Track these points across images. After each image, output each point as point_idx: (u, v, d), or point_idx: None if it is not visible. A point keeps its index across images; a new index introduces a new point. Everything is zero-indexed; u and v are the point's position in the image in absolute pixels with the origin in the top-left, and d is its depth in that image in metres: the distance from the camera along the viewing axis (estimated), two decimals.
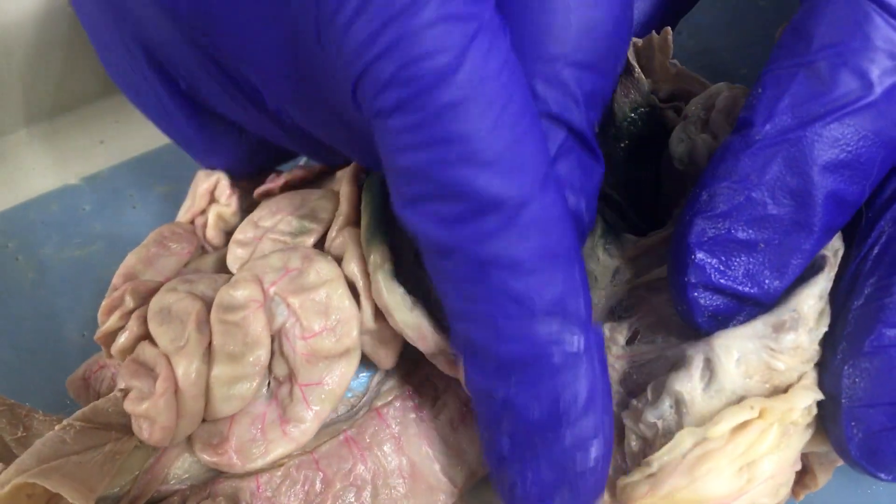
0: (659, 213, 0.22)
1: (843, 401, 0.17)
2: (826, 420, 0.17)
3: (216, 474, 0.21)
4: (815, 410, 0.17)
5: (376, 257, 0.19)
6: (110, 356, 0.22)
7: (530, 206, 0.15)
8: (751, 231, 0.16)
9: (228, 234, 0.24)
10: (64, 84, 0.32)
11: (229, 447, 0.20)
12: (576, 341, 0.15)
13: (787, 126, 0.16)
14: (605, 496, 0.18)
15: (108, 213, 0.29)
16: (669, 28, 0.20)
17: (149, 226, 0.28)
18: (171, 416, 0.19)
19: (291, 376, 0.20)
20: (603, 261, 0.22)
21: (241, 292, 0.20)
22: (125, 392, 0.21)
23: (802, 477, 0.20)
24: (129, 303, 0.21)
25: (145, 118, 0.25)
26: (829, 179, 0.16)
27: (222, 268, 0.22)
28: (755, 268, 0.16)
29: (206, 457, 0.20)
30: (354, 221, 0.20)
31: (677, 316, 0.19)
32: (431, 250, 0.16)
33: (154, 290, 0.21)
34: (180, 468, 0.21)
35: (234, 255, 0.22)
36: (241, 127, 0.22)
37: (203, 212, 0.24)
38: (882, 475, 0.17)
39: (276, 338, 0.20)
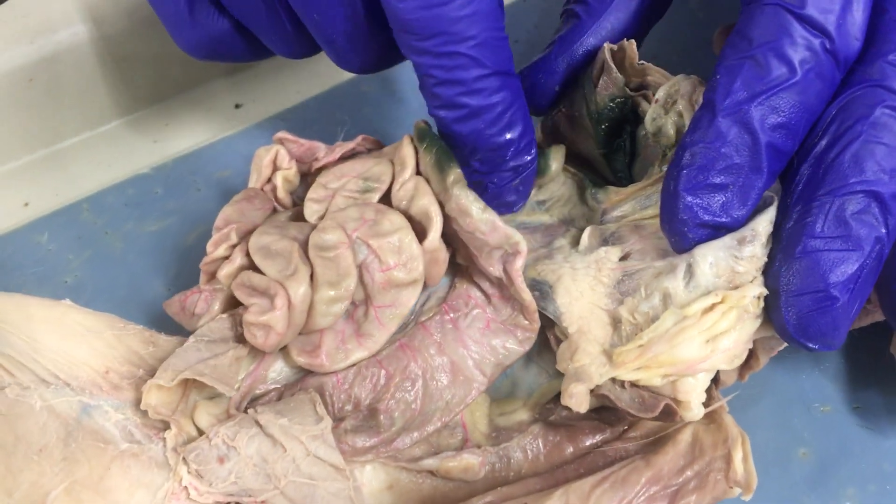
0: (632, 175, 0.29)
1: (782, 293, 0.23)
2: (770, 311, 0.24)
3: (303, 374, 0.27)
4: (762, 304, 0.24)
5: (454, 175, 0.25)
6: (208, 282, 0.28)
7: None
8: (722, 177, 0.23)
9: (293, 196, 0.30)
10: (120, 91, 0.38)
11: (321, 353, 0.26)
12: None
13: (740, 100, 0.23)
14: (605, 365, 0.24)
15: (177, 195, 0.34)
16: (633, 40, 0.27)
17: (213, 202, 0.34)
18: (285, 326, 0.25)
19: (368, 300, 0.26)
20: (592, 205, 0.28)
21: (330, 236, 0.26)
22: (234, 314, 0.27)
23: (749, 359, 0.26)
24: (234, 237, 0.27)
25: (190, 120, 0.32)
26: (771, 136, 0.23)
27: (298, 220, 0.29)
28: (727, 203, 0.23)
29: (303, 360, 0.26)
30: (418, 172, 0.27)
31: (660, 244, 0.25)
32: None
33: (251, 231, 0.27)
34: (275, 371, 0.27)
35: (311, 210, 0.28)
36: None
37: (269, 180, 0.30)
38: (810, 345, 0.23)
39: (358, 270, 0.26)
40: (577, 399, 0.24)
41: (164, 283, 0.32)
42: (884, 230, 0.22)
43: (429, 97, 0.25)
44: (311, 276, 0.26)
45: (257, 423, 0.25)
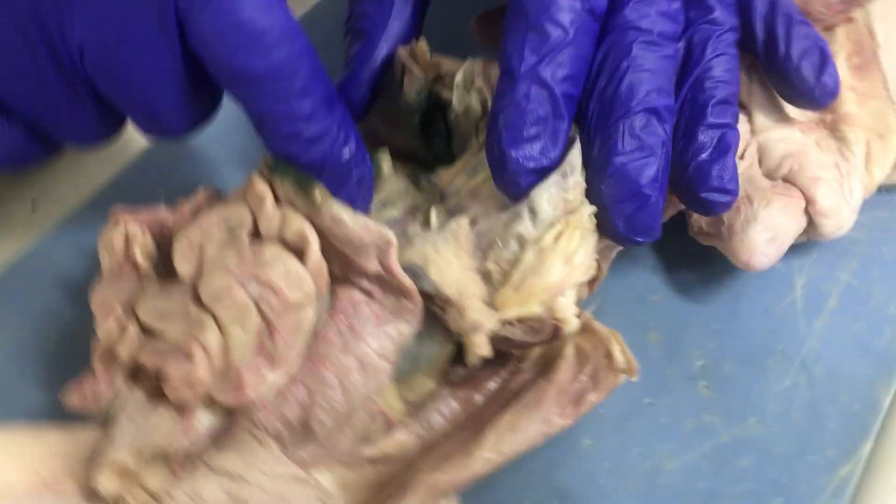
0: (453, 153, 0.33)
1: (607, 205, 0.28)
2: (601, 223, 0.29)
3: (230, 417, 0.28)
4: (594, 220, 0.29)
5: (320, 190, 0.27)
6: (105, 362, 0.29)
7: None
8: (534, 129, 0.27)
9: (153, 263, 0.31)
10: None
11: (244, 387, 0.27)
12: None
13: (533, 64, 0.27)
14: (491, 312, 0.28)
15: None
16: (423, 38, 0.32)
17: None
18: (209, 375, 0.27)
19: (272, 328, 0.28)
20: (429, 189, 0.32)
21: (218, 282, 0.27)
22: (140, 384, 0.28)
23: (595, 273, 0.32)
24: (120, 311, 0.28)
25: None
26: (563, 87, 0.28)
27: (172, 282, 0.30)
28: (544, 148, 0.28)
29: (231, 398, 0.27)
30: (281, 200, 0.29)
31: (497, 201, 0.30)
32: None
33: (130, 304, 0.29)
34: (202, 422, 0.28)
35: (185, 268, 0.29)
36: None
37: (125, 256, 0.31)
38: (639, 239, 0.28)
39: (255, 304, 0.28)
40: (481, 346, 0.28)
41: (35, 387, 0.32)
42: (664, 135, 0.28)
43: (270, 136, 0.27)
44: (216, 323, 0.27)
45: (209, 466, 0.26)
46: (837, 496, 0.30)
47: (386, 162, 0.32)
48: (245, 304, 0.27)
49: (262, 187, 0.29)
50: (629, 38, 0.28)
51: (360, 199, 0.29)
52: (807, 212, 0.34)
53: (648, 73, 0.28)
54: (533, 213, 0.28)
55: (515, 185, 0.28)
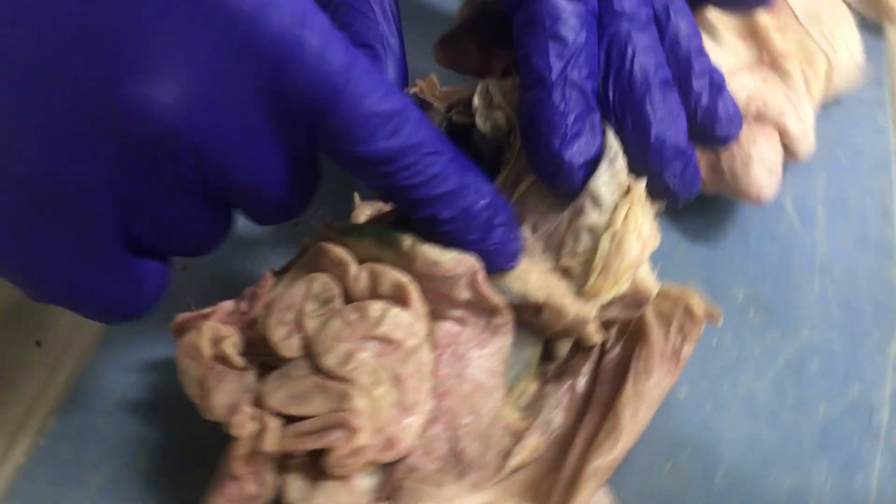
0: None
1: (656, 171, 0.31)
2: (652, 191, 0.31)
3: (386, 473, 0.29)
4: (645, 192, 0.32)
5: (408, 239, 0.29)
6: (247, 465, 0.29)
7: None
8: (577, 126, 0.30)
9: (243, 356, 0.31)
10: None
11: (395, 442, 0.28)
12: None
13: (560, 68, 0.30)
14: (587, 302, 0.31)
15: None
16: (432, 75, 0.33)
17: None
18: (372, 439, 0.27)
19: (398, 380, 0.29)
20: None
21: (337, 353, 0.28)
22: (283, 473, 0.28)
23: None
24: (249, 411, 0.28)
25: None
26: (588, 83, 0.30)
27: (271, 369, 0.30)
28: (588, 142, 0.30)
29: (388, 456, 0.28)
30: (361, 260, 0.30)
31: (547, 202, 0.32)
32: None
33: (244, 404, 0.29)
34: (363, 484, 0.29)
35: (289, 346, 0.29)
36: None
37: (215, 359, 0.31)
38: (691, 193, 0.31)
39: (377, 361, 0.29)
40: (594, 335, 0.30)
41: None
42: (678, 99, 0.32)
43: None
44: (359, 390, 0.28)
45: None
46: None
47: None
48: (374, 364, 0.28)
49: (340, 253, 0.30)
50: (624, 26, 0.32)
51: (509, 243, 0.30)
52: (781, 141, 0.38)
53: (650, 53, 0.31)
54: (595, 202, 0.31)
55: (572, 182, 0.31)
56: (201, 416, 0.31)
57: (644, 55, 0.31)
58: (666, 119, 0.31)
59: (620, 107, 0.31)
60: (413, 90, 0.34)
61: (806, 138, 0.38)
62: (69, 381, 0.35)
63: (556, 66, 0.30)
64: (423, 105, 0.34)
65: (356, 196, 0.33)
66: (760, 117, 0.38)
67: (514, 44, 0.31)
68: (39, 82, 0.23)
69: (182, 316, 0.32)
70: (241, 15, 0.24)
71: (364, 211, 0.34)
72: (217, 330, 0.31)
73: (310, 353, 0.29)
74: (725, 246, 0.38)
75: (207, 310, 0.32)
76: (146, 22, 0.23)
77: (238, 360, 0.30)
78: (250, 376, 0.31)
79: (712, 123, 0.33)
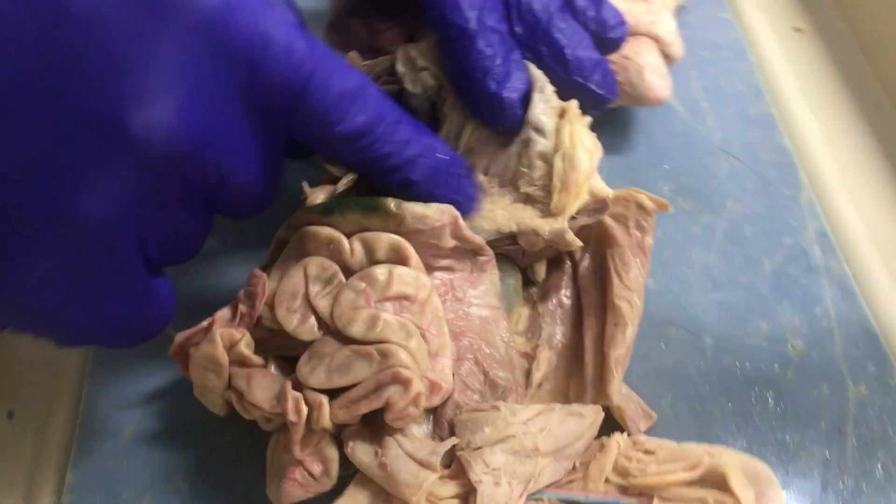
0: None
1: (580, 84, 0.34)
2: (582, 103, 0.34)
3: (435, 415, 0.31)
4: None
5: (392, 202, 0.30)
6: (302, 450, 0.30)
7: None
8: (506, 66, 0.32)
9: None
10: None
11: (439, 384, 0.30)
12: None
13: (477, 17, 0.32)
14: (556, 218, 0.33)
15: None
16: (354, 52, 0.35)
17: None
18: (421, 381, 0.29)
19: (421, 330, 0.31)
20: None
21: (359, 321, 0.29)
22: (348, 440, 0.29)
23: None
24: (298, 399, 0.29)
25: None
26: (502, 25, 0.33)
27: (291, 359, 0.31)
28: (519, 77, 0.32)
29: (436, 400, 0.30)
30: (349, 234, 0.31)
31: (493, 141, 0.34)
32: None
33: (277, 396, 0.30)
34: (417, 431, 0.30)
35: (305, 329, 0.30)
36: None
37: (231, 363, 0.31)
38: (614, 95, 0.35)
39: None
40: (574, 241, 0.33)
41: None
42: (575, 19, 0.35)
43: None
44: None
45: (478, 451, 0.29)
46: (812, 215, 0.39)
47: None
48: (398, 321, 0.30)
49: (329, 231, 0.31)
50: None
51: (470, 188, 0.33)
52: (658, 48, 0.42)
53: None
54: (539, 131, 0.34)
55: (514, 118, 0.33)
56: (221, 426, 0.32)
57: None
58: (574, 37, 0.34)
59: (532, 39, 0.34)
60: None
61: (676, 41, 0.42)
62: (69, 434, 0.34)
63: (472, 15, 0.32)
64: None
65: (305, 185, 0.34)
66: (635, 30, 0.42)
67: (425, 5, 0.33)
68: (49, 126, 0.23)
69: (181, 336, 0.32)
70: (209, 23, 0.25)
71: (318, 196, 0.35)
72: (230, 335, 0.31)
73: (331, 330, 0.30)
74: (637, 151, 0.42)
75: (204, 323, 0.32)
76: (126, 50, 0.24)
77: (257, 359, 0.31)
78: (274, 369, 0.31)
79: (604, 29, 0.36)
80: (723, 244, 0.38)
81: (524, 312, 0.35)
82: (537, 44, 0.34)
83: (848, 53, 0.47)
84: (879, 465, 0.31)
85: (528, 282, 0.36)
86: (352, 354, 0.29)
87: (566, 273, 0.36)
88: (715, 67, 0.45)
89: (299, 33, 0.27)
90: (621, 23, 0.37)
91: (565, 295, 0.36)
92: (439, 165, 0.31)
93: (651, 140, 0.42)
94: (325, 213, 0.32)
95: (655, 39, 0.42)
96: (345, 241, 0.31)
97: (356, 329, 0.30)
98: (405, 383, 0.28)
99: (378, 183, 0.32)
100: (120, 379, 0.35)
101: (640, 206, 0.35)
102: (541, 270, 0.36)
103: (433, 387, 0.30)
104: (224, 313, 0.32)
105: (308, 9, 0.42)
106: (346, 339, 0.30)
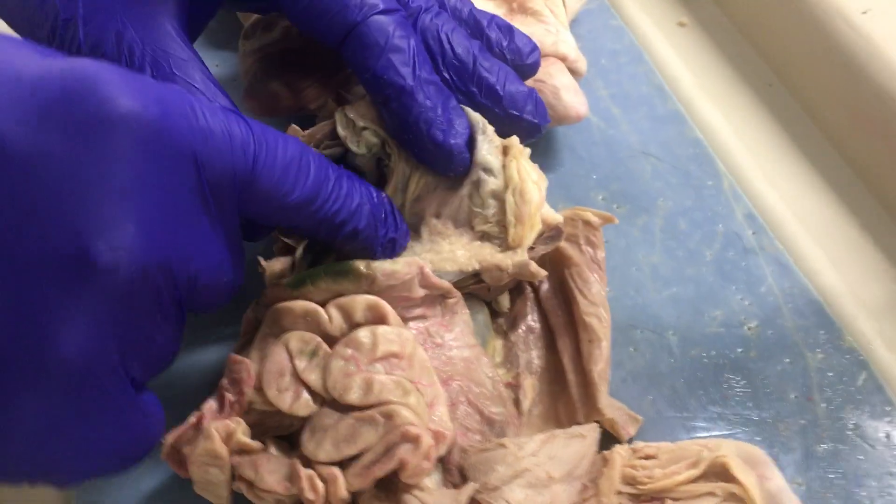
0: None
1: (515, 118, 0.36)
2: (520, 136, 0.36)
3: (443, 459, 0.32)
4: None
5: (362, 264, 0.32)
6: None
7: None
8: (445, 115, 0.33)
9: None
10: None
11: (442, 432, 0.31)
12: None
13: (410, 72, 0.33)
14: (515, 252, 0.35)
15: None
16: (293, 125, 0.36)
17: None
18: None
19: (414, 383, 0.31)
20: None
21: (355, 388, 0.30)
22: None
23: None
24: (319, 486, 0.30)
25: None
26: (434, 76, 0.34)
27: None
28: (460, 122, 0.34)
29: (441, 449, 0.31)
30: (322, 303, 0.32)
31: (441, 185, 0.35)
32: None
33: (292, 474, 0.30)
34: (429, 481, 0.31)
35: (301, 405, 0.31)
36: None
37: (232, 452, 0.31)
38: (547, 122, 0.37)
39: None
40: (538, 272, 0.34)
41: None
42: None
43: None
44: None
45: (493, 489, 0.30)
46: (736, 199, 0.42)
47: None
48: (392, 380, 0.31)
49: (305, 304, 0.32)
50: (427, 18, 0.36)
51: (402, 223, 0.34)
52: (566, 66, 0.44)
53: (456, 30, 0.36)
54: (487, 170, 0.35)
55: (462, 163, 0.34)
56: None
57: (456, 34, 0.36)
58: (501, 73, 0.36)
59: (462, 82, 0.35)
60: None
61: (580, 57, 0.45)
62: None
63: (407, 72, 0.33)
64: None
65: (261, 259, 0.35)
66: (541, 53, 0.44)
67: (358, 69, 0.34)
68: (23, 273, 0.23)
69: (171, 437, 0.32)
70: (149, 136, 0.25)
71: (275, 267, 0.35)
72: (226, 427, 0.31)
73: (326, 401, 0.31)
74: (566, 166, 0.44)
75: (192, 419, 0.32)
76: (75, 183, 0.24)
77: (257, 444, 0.31)
78: (275, 450, 0.31)
79: (521, 56, 0.38)
80: (663, 242, 0.40)
81: (498, 344, 0.37)
82: (468, 85, 0.35)
83: (731, 40, 0.50)
84: (851, 424, 0.34)
85: (494, 314, 0.37)
86: (355, 422, 0.30)
87: (529, 298, 0.37)
88: (617, 74, 0.47)
89: (233, 118, 0.28)
90: (535, 48, 0.39)
91: (532, 319, 0.37)
92: (376, 208, 0.32)
93: (576, 153, 0.44)
94: (297, 285, 0.32)
95: (562, 59, 0.44)
96: (321, 311, 0.32)
97: (353, 396, 0.30)
98: (415, 440, 0.29)
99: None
100: (110, 487, 0.35)
101: (587, 223, 0.37)
102: (504, 301, 0.37)
103: (437, 436, 0.31)
104: (211, 405, 0.32)
105: (217, 74, 0.43)
106: (344, 408, 0.30)
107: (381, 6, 0.33)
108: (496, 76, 0.36)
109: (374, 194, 0.33)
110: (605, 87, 0.47)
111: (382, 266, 0.32)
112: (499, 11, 0.46)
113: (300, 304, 0.32)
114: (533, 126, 0.36)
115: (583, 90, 0.43)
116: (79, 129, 0.24)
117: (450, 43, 0.36)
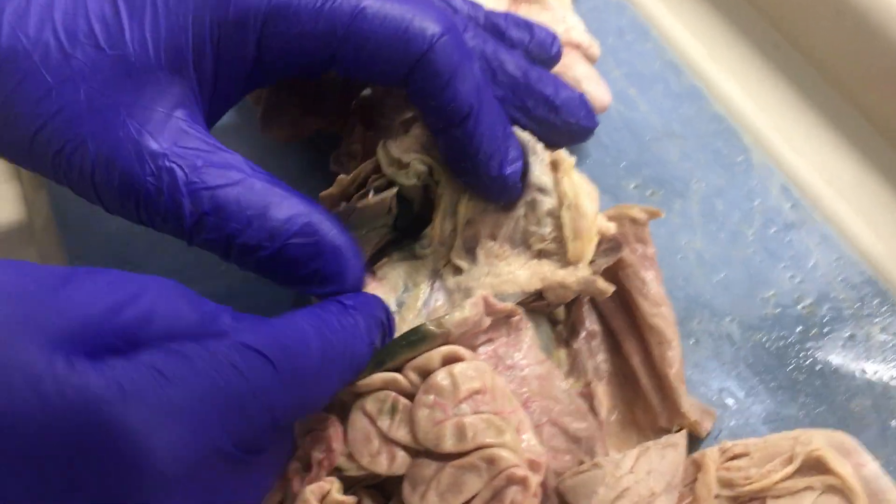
0: (414, 219, 0.37)
1: (570, 124, 0.36)
2: (572, 142, 0.36)
3: None
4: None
5: (431, 322, 0.32)
6: None
7: None
8: (505, 142, 0.33)
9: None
10: None
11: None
12: None
13: (484, 95, 0.32)
14: (577, 267, 0.35)
15: None
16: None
17: None
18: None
19: (499, 414, 0.31)
20: (429, 251, 0.36)
21: (452, 432, 0.30)
22: None
23: None
24: None
25: None
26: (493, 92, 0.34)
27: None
28: (514, 148, 0.33)
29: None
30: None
31: (491, 210, 0.35)
32: None
33: None
34: None
35: (399, 463, 0.30)
36: None
37: None
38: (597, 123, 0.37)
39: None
40: (605, 288, 0.34)
41: None
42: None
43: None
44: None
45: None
46: (768, 172, 0.42)
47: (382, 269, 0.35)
48: (484, 420, 0.30)
49: (383, 375, 0.31)
50: (469, 36, 0.35)
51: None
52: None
53: (500, 47, 0.35)
54: (542, 190, 0.34)
55: (516, 193, 0.34)
56: None
57: (500, 49, 0.35)
58: (552, 82, 0.35)
59: (517, 97, 0.35)
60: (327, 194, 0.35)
61: (593, 42, 0.44)
62: None
63: (474, 97, 0.32)
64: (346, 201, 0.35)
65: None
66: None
67: (418, 100, 0.32)
68: None
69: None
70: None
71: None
72: (320, 488, 0.31)
73: (420, 453, 0.31)
74: (593, 157, 0.44)
75: (277, 493, 0.31)
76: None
77: (351, 500, 0.31)
78: (369, 502, 0.31)
79: (545, 49, 0.38)
80: (703, 226, 0.41)
81: (562, 354, 0.37)
82: (523, 100, 0.35)
83: (733, 4, 0.50)
84: None
85: (552, 323, 0.37)
86: (456, 471, 0.30)
87: (584, 303, 0.37)
88: (627, 52, 0.47)
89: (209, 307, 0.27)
90: (555, 37, 0.38)
91: (592, 324, 0.37)
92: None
93: (600, 142, 0.44)
94: (378, 366, 0.31)
95: (576, 46, 0.43)
96: (400, 378, 0.31)
97: (448, 444, 0.30)
98: (522, 482, 0.29)
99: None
100: None
101: (634, 220, 0.37)
102: (560, 309, 0.37)
103: (532, 466, 0.31)
104: (295, 467, 0.32)
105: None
106: (441, 457, 0.30)
107: (440, 28, 0.31)
108: (549, 87, 0.35)
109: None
110: (616, 66, 0.47)
111: (452, 319, 0.32)
112: (500, 3, 0.45)
113: (377, 378, 0.31)
114: (587, 131, 0.36)
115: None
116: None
117: (497, 59, 0.35)
